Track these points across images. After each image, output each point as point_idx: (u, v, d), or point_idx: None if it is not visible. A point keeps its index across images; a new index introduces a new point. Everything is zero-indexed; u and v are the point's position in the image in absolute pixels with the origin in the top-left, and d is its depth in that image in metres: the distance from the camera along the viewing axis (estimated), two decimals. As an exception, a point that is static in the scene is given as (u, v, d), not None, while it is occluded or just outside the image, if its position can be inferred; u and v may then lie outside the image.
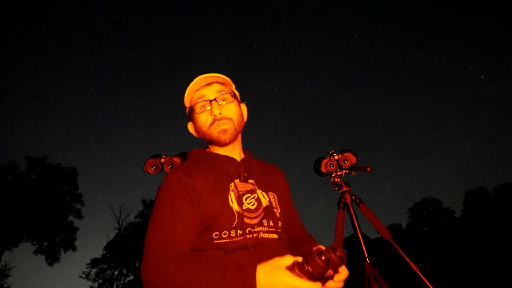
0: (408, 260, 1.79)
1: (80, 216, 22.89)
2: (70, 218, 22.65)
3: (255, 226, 0.98)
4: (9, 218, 19.44)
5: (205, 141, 1.17)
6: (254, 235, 0.96)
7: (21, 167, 21.66)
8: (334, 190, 2.09)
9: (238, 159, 1.15)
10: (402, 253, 1.83)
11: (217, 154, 1.13)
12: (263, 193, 1.08)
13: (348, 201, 2.01)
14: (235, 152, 1.16)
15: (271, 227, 1.02)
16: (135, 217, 26.67)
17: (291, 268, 0.72)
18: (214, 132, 1.10)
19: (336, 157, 2.06)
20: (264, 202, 1.05)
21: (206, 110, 1.12)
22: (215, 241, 0.94)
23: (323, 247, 0.73)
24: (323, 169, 2.07)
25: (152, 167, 2.01)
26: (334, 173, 2.08)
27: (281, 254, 0.78)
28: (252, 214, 1.00)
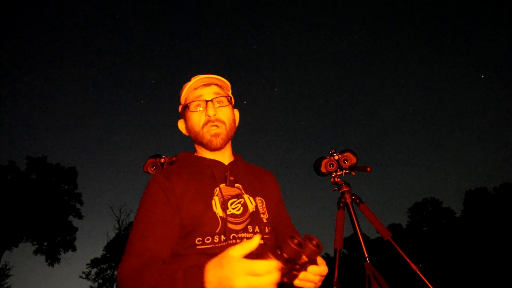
0: (408, 260, 1.79)
1: (80, 216, 22.90)
2: (70, 218, 22.68)
3: (239, 232, 0.97)
4: (9, 218, 19.44)
5: (195, 141, 1.14)
6: (238, 241, 0.95)
7: (21, 167, 21.70)
8: (334, 190, 2.09)
9: (226, 163, 1.12)
10: (402, 253, 1.83)
11: (204, 158, 1.11)
12: (250, 198, 1.05)
13: (348, 201, 2.01)
14: (224, 156, 1.14)
15: (256, 233, 1.00)
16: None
17: (262, 255, 0.68)
18: (207, 135, 1.08)
19: (336, 157, 2.06)
20: (251, 208, 1.03)
21: (200, 110, 1.10)
22: (197, 246, 0.93)
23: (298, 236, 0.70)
24: (323, 169, 2.07)
25: (152, 167, 2.01)
26: (334, 173, 2.08)
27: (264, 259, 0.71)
28: (237, 219, 0.98)
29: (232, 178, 1.06)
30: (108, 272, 26.33)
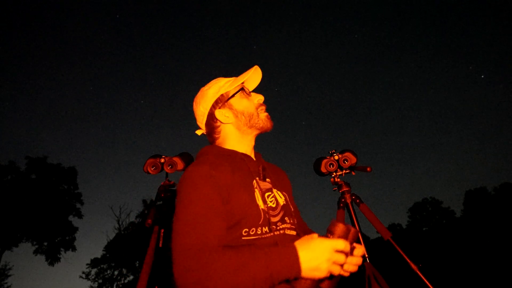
0: (408, 260, 1.79)
1: (80, 216, 22.87)
2: (70, 218, 22.66)
3: (278, 224, 1.01)
4: (9, 218, 19.43)
5: (245, 124, 1.14)
6: (281, 231, 0.99)
7: (21, 167, 21.68)
8: (334, 190, 2.09)
9: (254, 159, 1.16)
10: (402, 253, 1.83)
11: (236, 152, 1.12)
12: (278, 192, 1.10)
13: (348, 201, 2.01)
14: (252, 150, 1.18)
15: (292, 223, 1.05)
16: (135, 217, 26.67)
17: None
18: (262, 115, 1.15)
19: (336, 157, 2.07)
20: (281, 201, 1.07)
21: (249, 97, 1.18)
22: (243, 237, 0.94)
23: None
24: (323, 169, 2.07)
25: (152, 167, 2.01)
26: (334, 173, 2.08)
27: None
28: (274, 212, 1.02)
29: (264, 173, 1.11)
30: (108, 272, 26.26)
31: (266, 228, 0.97)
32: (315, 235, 0.82)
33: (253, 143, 1.19)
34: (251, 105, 1.16)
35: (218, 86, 1.17)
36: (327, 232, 0.80)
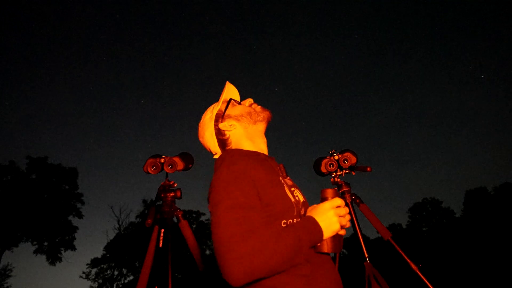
0: (408, 260, 1.79)
1: (80, 216, 22.88)
2: (70, 217, 22.66)
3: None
4: (9, 218, 19.44)
5: (248, 123, 1.24)
6: None
7: (22, 167, 21.69)
8: (334, 190, 2.09)
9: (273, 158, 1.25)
10: (402, 253, 1.83)
11: (257, 152, 1.19)
12: (297, 190, 1.17)
13: (348, 201, 2.01)
14: (264, 147, 1.26)
15: None
16: (135, 217, 26.68)
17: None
18: (257, 108, 1.27)
19: (336, 157, 2.07)
20: (301, 198, 1.14)
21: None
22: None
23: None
24: (323, 169, 2.07)
25: (152, 167, 2.01)
26: (334, 173, 2.08)
27: None
28: (300, 206, 1.09)
29: (284, 169, 1.20)
30: (108, 272, 26.25)
31: (299, 219, 1.03)
32: (315, 205, 1.01)
33: (265, 140, 1.28)
34: (245, 107, 1.28)
35: (210, 111, 1.31)
36: (321, 201, 1.01)
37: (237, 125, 1.24)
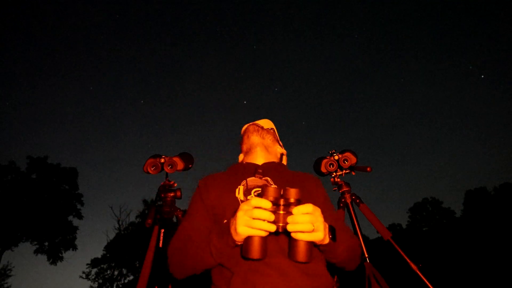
0: (408, 260, 1.79)
1: (80, 216, 22.85)
2: (70, 218, 22.65)
3: None
4: (9, 218, 19.43)
5: (246, 147, 1.42)
6: None
7: (22, 167, 21.68)
8: (334, 190, 2.09)
9: (258, 164, 1.32)
10: (402, 253, 1.83)
11: (242, 161, 1.36)
12: (275, 186, 1.17)
13: (348, 201, 2.01)
14: (258, 160, 1.34)
15: None
16: (135, 217, 26.66)
17: None
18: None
19: (336, 157, 2.06)
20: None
21: None
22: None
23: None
24: (323, 169, 2.07)
25: (152, 167, 2.01)
26: (334, 173, 2.08)
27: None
28: None
29: (260, 171, 1.24)
30: (108, 272, 26.23)
31: None
32: None
33: (260, 154, 1.38)
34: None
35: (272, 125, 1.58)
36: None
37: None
